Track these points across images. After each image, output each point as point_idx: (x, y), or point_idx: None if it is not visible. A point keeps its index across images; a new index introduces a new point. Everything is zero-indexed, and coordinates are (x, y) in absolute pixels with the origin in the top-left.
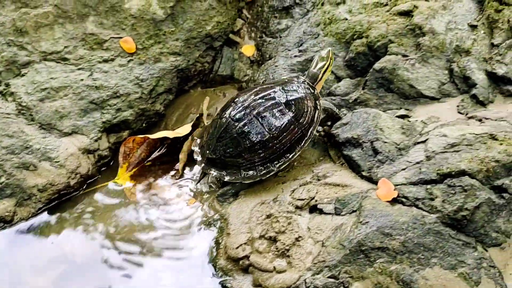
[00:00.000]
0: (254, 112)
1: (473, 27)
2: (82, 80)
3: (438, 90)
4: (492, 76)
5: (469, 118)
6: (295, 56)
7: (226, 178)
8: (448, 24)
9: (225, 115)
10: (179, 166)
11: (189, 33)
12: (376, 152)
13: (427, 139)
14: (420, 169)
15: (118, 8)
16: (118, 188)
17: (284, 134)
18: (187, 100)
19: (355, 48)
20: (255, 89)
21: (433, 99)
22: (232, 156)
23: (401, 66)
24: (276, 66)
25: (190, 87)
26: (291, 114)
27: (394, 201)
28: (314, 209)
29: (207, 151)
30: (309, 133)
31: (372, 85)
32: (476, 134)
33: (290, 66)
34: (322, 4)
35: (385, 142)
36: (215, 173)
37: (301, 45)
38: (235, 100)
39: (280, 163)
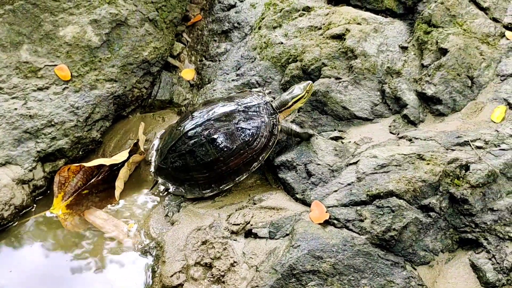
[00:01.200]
0: (205, 133)
1: (404, 48)
2: (16, 109)
3: (371, 111)
4: (422, 96)
5: (400, 138)
6: (233, 80)
7: (171, 189)
8: (380, 46)
9: (180, 128)
10: (116, 193)
11: (125, 59)
12: (309, 174)
13: (358, 161)
14: (351, 190)
15: (53, 36)
16: (54, 218)
17: (232, 158)
18: (126, 126)
19: (290, 72)
20: (214, 105)
21: (366, 120)
22: (179, 171)
23: (335, 89)
24: (214, 90)
25: (129, 113)
26: (243, 139)
27: (326, 223)
28: (249, 234)
29: (159, 159)
30: (260, 158)
31: (307, 107)
32: (405, 155)
33: (228, 90)
34: (259, 28)
35: (318, 165)
36: (161, 182)
37: (238, 68)
38: (193, 114)
39: (224, 185)
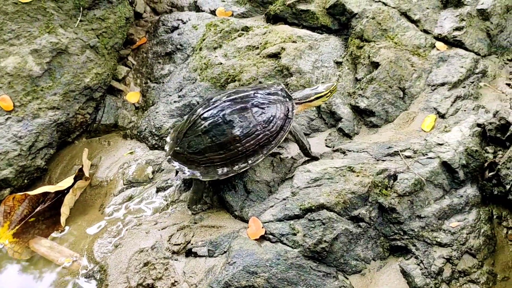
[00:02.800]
0: (221, 113)
1: (339, 63)
2: None
3: (308, 126)
4: (356, 109)
5: (335, 151)
6: (175, 101)
7: (186, 173)
8: (315, 63)
9: (196, 112)
10: (61, 219)
11: (67, 86)
12: (248, 191)
13: (293, 175)
14: (285, 205)
15: None
16: (0, 247)
17: (248, 138)
18: (72, 152)
19: None
20: (231, 91)
21: (304, 134)
22: (194, 153)
23: None
24: (157, 112)
25: (74, 139)
26: (259, 120)
27: (262, 239)
28: (189, 253)
29: (175, 145)
30: (275, 141)
31: None
32: (337, 168)
33: (170, 112)
34: (200, 49)
35: (257, 181)
36: (177, 166)
37: (180, 90)
38: (209, 99)
39: (238, 166)
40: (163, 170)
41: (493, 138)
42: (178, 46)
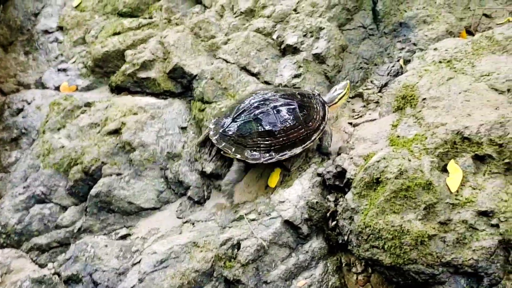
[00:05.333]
0: (271, 105)
1: (184, 129)
2: None
3: (157, 199)
4: (204, 174)
5: (185, 222)
6: (20, 193)
7: (230, 152)
8: (159, 132)
9: (245, 101)
10: None
11: None
12: (96, 284)
13: (141, 259)
14: None
15: None
16: None
17: (292, 130)
18: None
19: (72, 176)
20: (276, 89)
21: (154, 209)
22: (243, 136)
23: (117, 186)
24: (1, 208)
25: None
26: (302, 116)
27: None
28: None
29: (221, 128)
30: (313, 138)
31: (93, 210)
32: (182, 245)
33: (15, 206)
34: (44, 132)
35: (104, 271)
36: (223, 147)
37: (26, 180)
38: (256, 92)
39: (281, 154)
40: (12, 271)
41: (333, 186)
42: (23, 130)
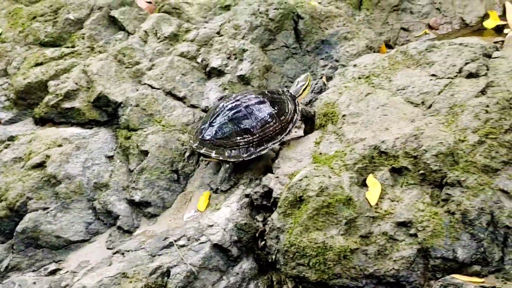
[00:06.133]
0: (244, 105)
1: (110, 158)
2: None
3: (86, 231)
4: (132, 203)
5: (115, 253)
6: None
7: (213, 155)
8: (85, 163)
9: (219, 106)
10: None
11: None
12: None
13: None
14: None
15: None
16: None
17: (267, 125)
18: None
19: None
20: (245, 91)
21: (83, 241)
22: (222, 138)
23: (44, 220)
24: None
25: None
26: (274, 111)
27: None
28: None
29: (200, 134)
30: (287, 130)
31: (20, 247)
32: (111, 277)
33: None
34: None
35: None
36: (204, 152)
37: None
38: (227, 98)
39: (260, 149)
40: None
41: (261, 206)
42: None
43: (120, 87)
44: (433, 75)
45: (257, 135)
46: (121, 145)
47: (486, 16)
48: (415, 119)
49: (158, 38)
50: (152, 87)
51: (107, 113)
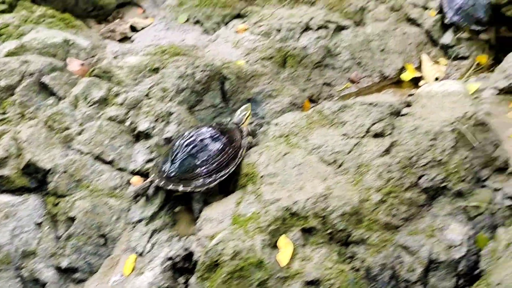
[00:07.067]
0: (199, 139)
1: (39, 224)
2: None
3: None
4: (60, 270)
5: None
6: None
7: (180, 189)
8: (14, 231)
9: (175, 144)
10: None
11: None
12: None
13: None
14: None
15: None
16: None
17: (222, 153)
18: None
19: None
20: (197, 126)
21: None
22: (185, 172)
23: None
24: None
25: None
26: (225, 140)
27: None
28: None
29: (164, 173)
30: (239, 154)
31: None
32: None
33: None
34: None
35: None
36: (172, 187)
37: None
38: (183, 135)
39: (221, 175)
40: None
41: (183, 269)
42: None
43: (50, 153)
44: (344, 134)
45: (216, 163)
46: (49, 212)
47: (404, 69)
48: (327, 177)
49: (88, 103)
50: (81, 152)
51: (36, 179)
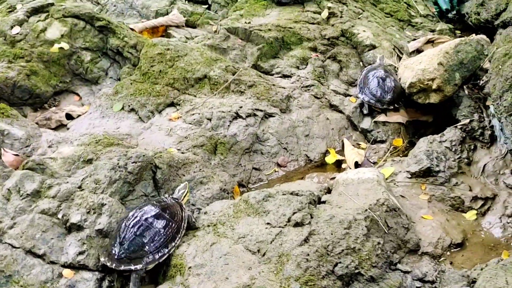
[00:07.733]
0: (143, 218)
1: None
2: None
3: None
4: None
5: None
6: None
7: (133, 267)
8: None
9: (122, 227)
10: None
11: None
12: None
13: None
14: None
15: None
16: None
17: (167, 228)
18: None
19: None
20: (140, 206)
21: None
22: (135, 251)
23: None
24: None
25: None
26: (168, 215)
27: None
28: None
29: (115, 255)
30: (182, 228)
31: None
32: None
33: None
34: None
35: None
36: (124, 268)
37: None
38: (127, 217)
39: (168, 249)
40: None
41: None
42: None
43: None
44: (268, 223)
45: (162, 239)
46: None
47: (327, 152)
48: (251, 266)
49: (21, 196)
50: (13, 247)
51: None
